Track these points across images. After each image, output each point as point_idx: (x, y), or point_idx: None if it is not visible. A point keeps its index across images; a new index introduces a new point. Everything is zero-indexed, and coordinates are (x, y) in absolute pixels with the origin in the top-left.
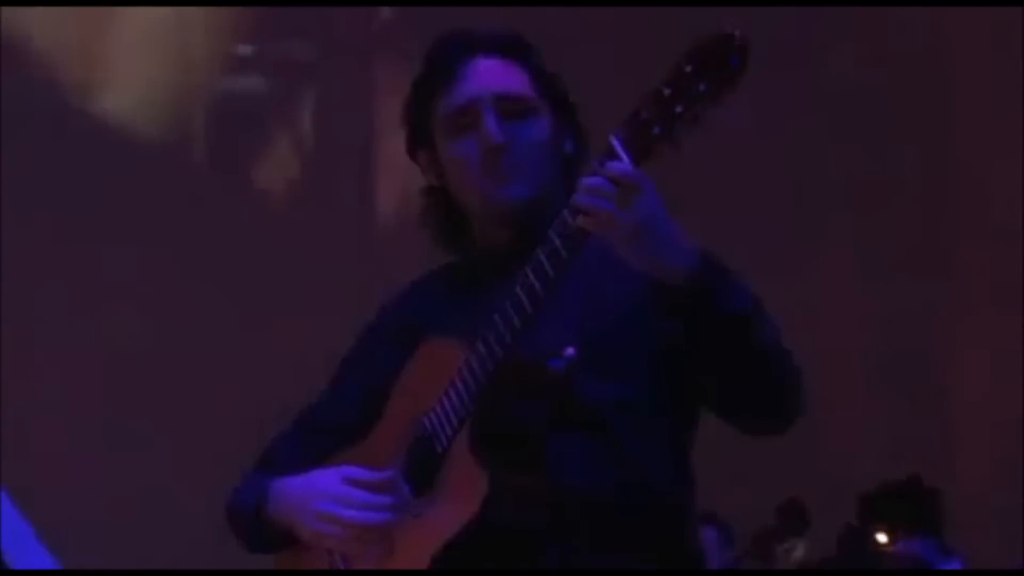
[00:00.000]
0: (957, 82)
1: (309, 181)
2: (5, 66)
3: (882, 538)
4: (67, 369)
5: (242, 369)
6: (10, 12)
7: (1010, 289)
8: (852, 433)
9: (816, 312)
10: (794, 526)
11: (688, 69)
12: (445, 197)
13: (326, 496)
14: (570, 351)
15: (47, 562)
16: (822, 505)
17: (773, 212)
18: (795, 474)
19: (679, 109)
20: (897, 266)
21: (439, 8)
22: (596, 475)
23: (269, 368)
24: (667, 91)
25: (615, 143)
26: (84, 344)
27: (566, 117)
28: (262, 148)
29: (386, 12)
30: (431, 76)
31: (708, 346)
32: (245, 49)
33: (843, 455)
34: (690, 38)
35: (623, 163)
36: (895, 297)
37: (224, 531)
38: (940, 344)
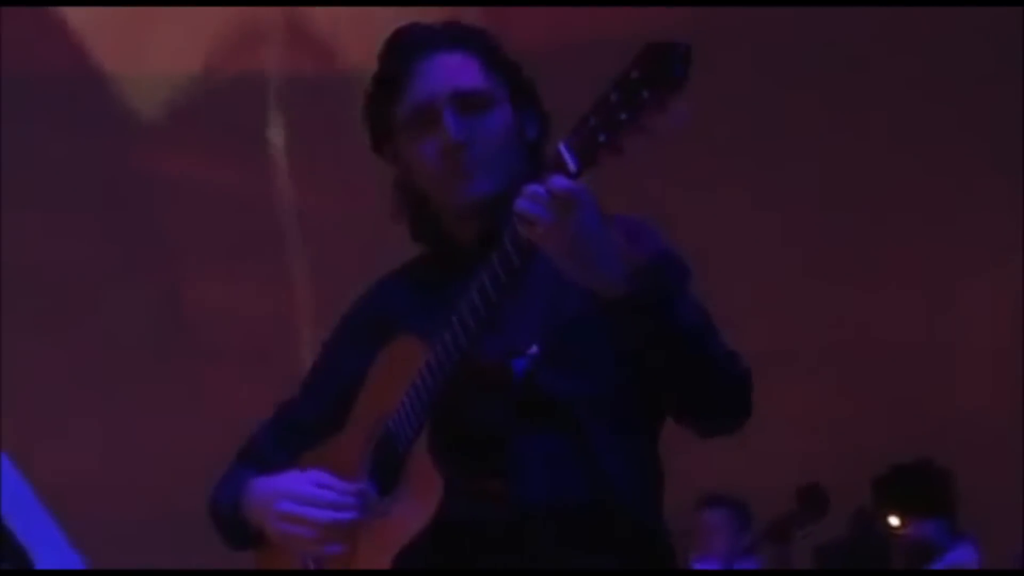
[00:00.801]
0: None
1: None
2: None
3: (894, 521)
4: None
5: None
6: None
7: None
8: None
9: None
10: (814, 511)
11: (634, 76)
12: (414, 190)
13: (289, 496)
14: (533, 349)
15: (69, 558)
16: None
17: None
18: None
19: (623, 116)
20: None
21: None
22: (560, 473)
23: None
24: (613, 97)
25: (562, 149)
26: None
27: (526, 103)
28: None
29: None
30: (388, 75)
31: (650, 357)
32: None
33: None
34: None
35: (561, 177)
36: None
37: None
38: None
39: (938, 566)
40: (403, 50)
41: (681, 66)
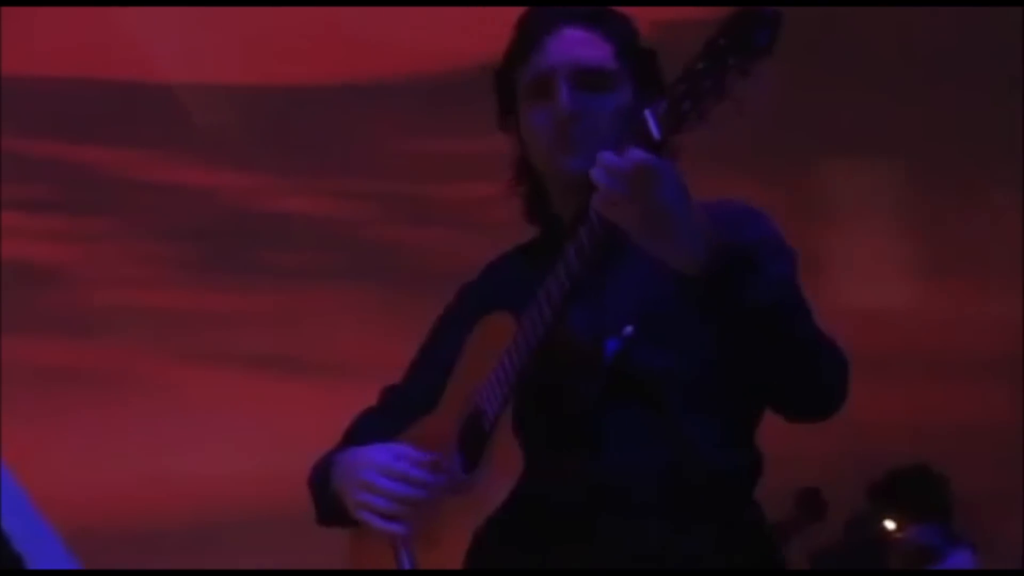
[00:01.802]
0: None
1: None
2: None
3: (890, 525)
4: None
5: None
6: None
7: None
8: None
9: None
10: (811, 516)
11: (721, 42)
12: (530, 166)
13: (371, 466)
14: (628, 330)
15: (62, 558)
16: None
17: None
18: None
19: (708, 83)
20: None
21: None
22: (647, 451)
23: None
24: (700, 65)
25: (648, 116)
26: None
27: (652, 91)
28: None
29: None
30: (518, 45)
31: (733, 337)
32: None
33: None
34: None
35: (638, 149)
36: None
37: None
38: None
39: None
40: (536, 20)
41: (767, 32)
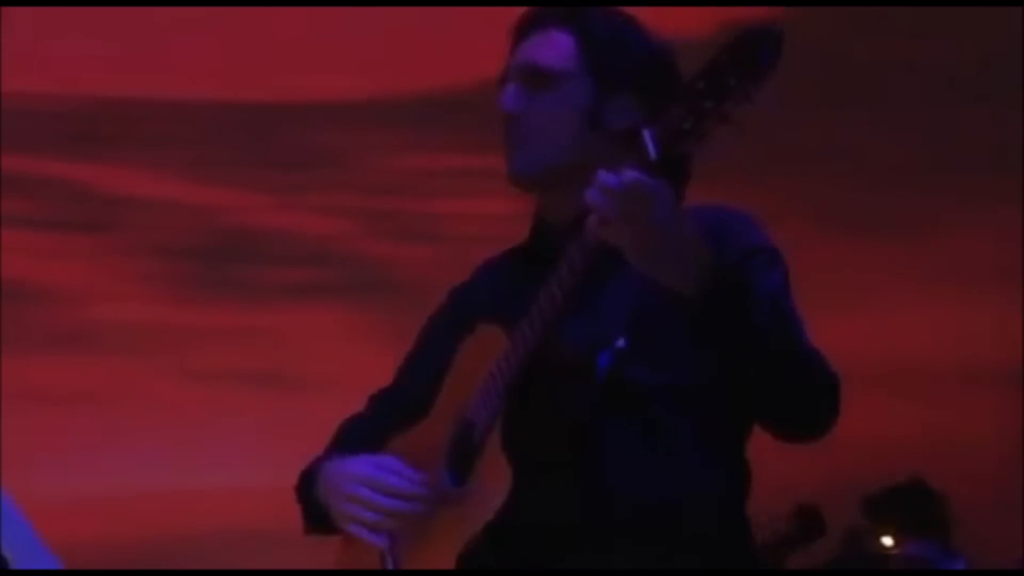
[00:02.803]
0: None
1: None
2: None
3: (888, 541)
4: None
5: None
6: None
7: None
8: None
9: None
10: (810, 533)
11: (723, 63)
12: None
13: (358, 479)
14: (620, 343)
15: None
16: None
17: None
18: None
19: (709, 104)
20: None
21: None
22: (639, 468)
23: None
24: (701, 84)
25: (646, 136)
26: None
27: (625, 93)
28: None
29: None
30: (509, 51)
31: (726, 355)
32: None
33: None
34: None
35: (633, 169)
36: None
37: None
38: None
39: None
40: (518, 28)
41: (769, 55)
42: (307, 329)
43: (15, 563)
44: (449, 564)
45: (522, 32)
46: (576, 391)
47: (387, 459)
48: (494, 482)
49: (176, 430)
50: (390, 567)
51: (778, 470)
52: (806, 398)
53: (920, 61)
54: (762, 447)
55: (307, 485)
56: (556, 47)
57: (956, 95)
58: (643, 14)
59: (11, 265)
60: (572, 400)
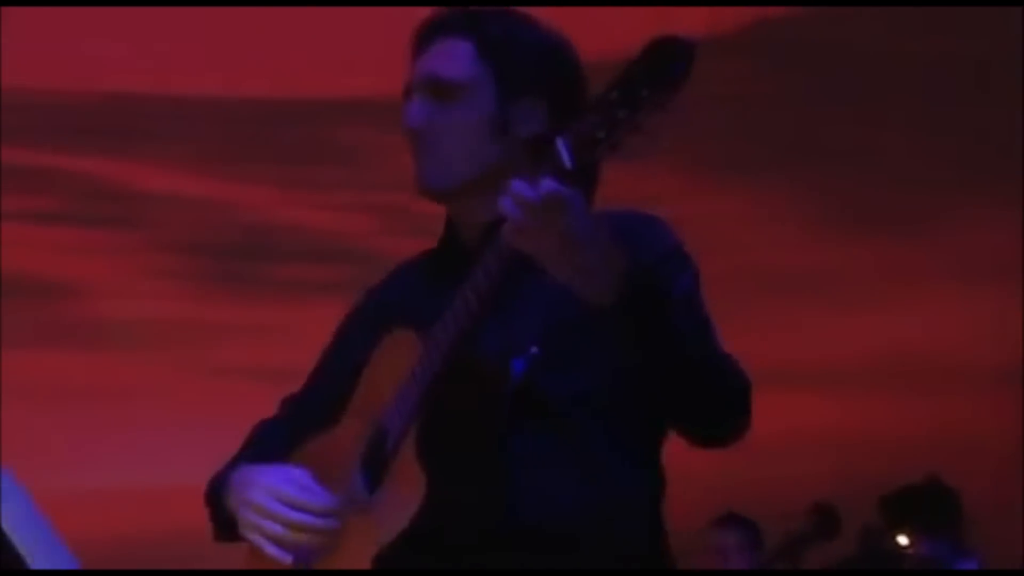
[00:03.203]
0: None
1: None
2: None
3: (903, 540)
4: None
5: None
6: None
7: None
8: None
9: None
10: (825, 531)
11: (636, 73)
12: None
13: (265, 490)
14: (533, 350)
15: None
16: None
17: None
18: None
19: (622, 114)
20: None
21: None
22: (554, 475)
23: None
24: (614, 95)
25: (559, 144)
26: None
27: (530, 97)
28: None
29: None
30: (412, 58)
31: (641, 362)
32: None
33: None
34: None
35: (549, 179)
36: None
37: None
38: None
39: None
40: (419, 35)
41: (682, 65)
42: (323, 325)
43: (32, 562)
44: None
45: (421, 42)
46: (489, 398)
47: (297, 471)
48: (409, 489)
49: (192, 425)
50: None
51: (793, 469)
52: (720, 401)
53: (926, 57)
54: (777, 447)
55: (217, 490)
56: (456, 56)
57: (958, 94)
58: (650, 12)
59: (31, 260)
60: (485, 407)
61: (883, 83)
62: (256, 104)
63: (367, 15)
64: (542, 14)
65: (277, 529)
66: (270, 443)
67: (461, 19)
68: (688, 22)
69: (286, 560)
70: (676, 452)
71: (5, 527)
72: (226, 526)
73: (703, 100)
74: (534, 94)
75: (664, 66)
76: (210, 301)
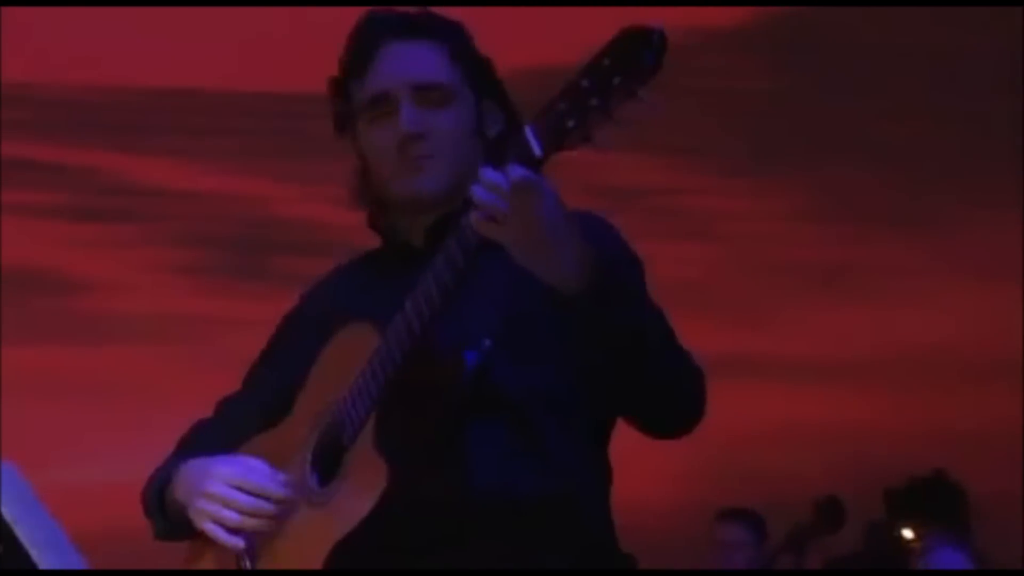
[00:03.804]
0: None
1: None
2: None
3: (908, 534)
4: None
5: None
6: None
7: None
8: None
9: None
10: (830, 524)
11: (606, 62)
12: (371, 178)
13: (219, 477)
14: (486, 343)
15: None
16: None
17: None
18: None
19: (593, 102)
20: None
21: None
22: (509, 467)
23: None
24: (584, 83)
25: (528, 132)
26: None
27: (490, 99)
28: None
29: None
30: (349, 59)
31: (601, 353)
32: None
33: None
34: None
35: (519, 166)
36: None
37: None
38: None
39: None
40: (370, 33)
41: (653, 54)
42: None
43: (30, 546)
44: (317, 563)
45: (378, 42)
46: (443, 390)
47: (249, 459)
48: (368, 478)
49: (195, 419)
50: (247, 567)
51: (798, 461)
52: (681, 391)
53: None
54: (782, 440)
55: (158, 488)
56: (435, 61)
57: (963, 91)
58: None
59: (33, 254)
60: (440, 399)
61: (888, 78)
62: (259, 98)
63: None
64: (540, 14)
65: (229, 515)
66: (207, 444)
67: (428, 23)
68: (689, 18)
69: (238, 544)
70: (680, 446)
71: (8, 520)
72: (169, 523)
73: (705, 95)
74: (491, 96)
75: (636, 54)
76: (213, 295)
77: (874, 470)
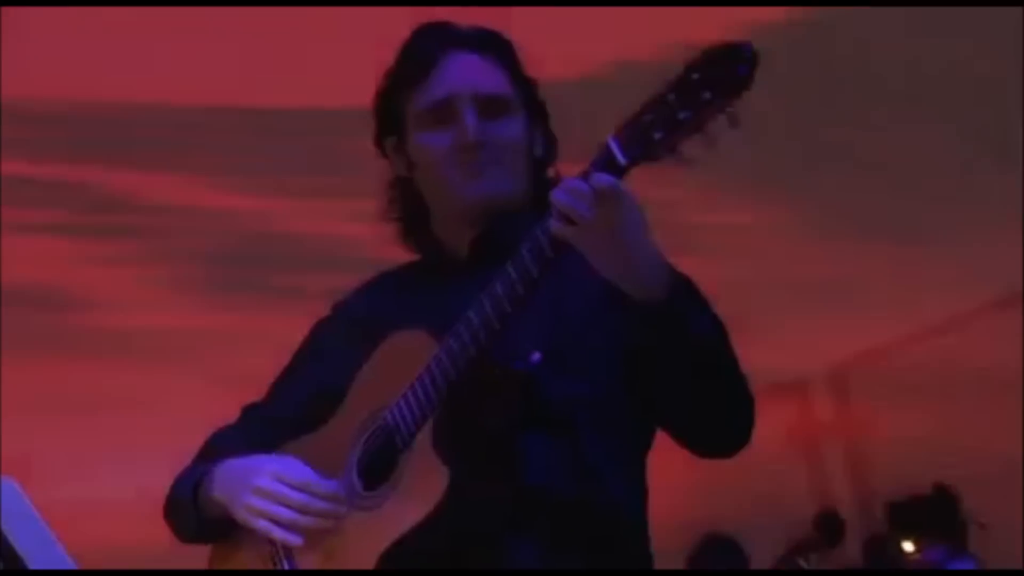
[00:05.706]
0: None
1: None
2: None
3: (908, 547)
4: None
5: None
6: None
7: None
8: None
9: None
10: (829, 538)
11: (695, 77)
12: (412, 189)
13: (269, 473)
14: (536, 356)
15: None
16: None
17: None
18: None
19: (683, 115)
20: None
21: None
22: (558, 476)
23: None
24: (671, 96)
25: (611, 142)
26: None
27: (538, 120)
28: None
29: None
30: (408, 67)
31: (665, 364)
32: None
33: None
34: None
35: (604, 173)
36: None
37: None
38: None
39: None
40: (430, 43)
41: (747, 68)
42: None
43: (30, 563)
44: (369, 564)
45: (439, 52)
46: (496, 400)
47: (295, 459)
48: (421, 489)
49: (195, 434)
50: (284, 567)
51: (798, 475)
52: (740, 410)
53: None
54: (781, 453)
55: (189, 488)
56: (496, 74)
57: (962, 101)
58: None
59: (33, 271)
60: (494, 408)
61: (888, 89)
62: (259, 114)
63: (368, 25)
64: (543, 13)
65: (282, 511)
66: (232, 450)
67: (490, 38)
68: (692, 27)
69: (295, 542)
70: (676, 460)
71: (8, 536)
72: (202, 523)
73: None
74: (539, 123)
75: (728, 70)
76: (213, 310)
77: (872, 480)
